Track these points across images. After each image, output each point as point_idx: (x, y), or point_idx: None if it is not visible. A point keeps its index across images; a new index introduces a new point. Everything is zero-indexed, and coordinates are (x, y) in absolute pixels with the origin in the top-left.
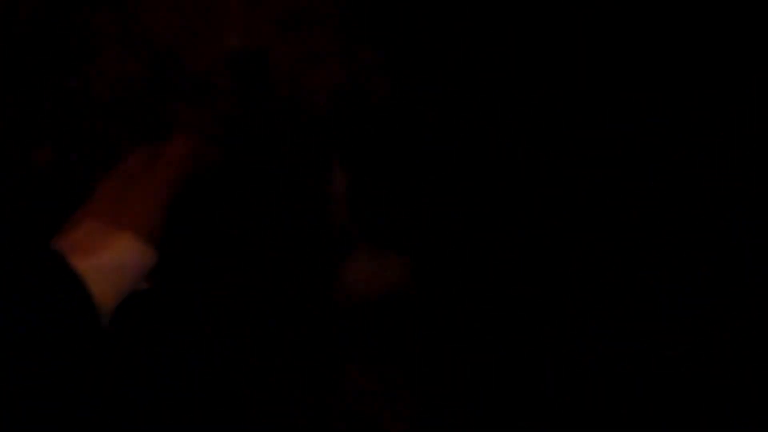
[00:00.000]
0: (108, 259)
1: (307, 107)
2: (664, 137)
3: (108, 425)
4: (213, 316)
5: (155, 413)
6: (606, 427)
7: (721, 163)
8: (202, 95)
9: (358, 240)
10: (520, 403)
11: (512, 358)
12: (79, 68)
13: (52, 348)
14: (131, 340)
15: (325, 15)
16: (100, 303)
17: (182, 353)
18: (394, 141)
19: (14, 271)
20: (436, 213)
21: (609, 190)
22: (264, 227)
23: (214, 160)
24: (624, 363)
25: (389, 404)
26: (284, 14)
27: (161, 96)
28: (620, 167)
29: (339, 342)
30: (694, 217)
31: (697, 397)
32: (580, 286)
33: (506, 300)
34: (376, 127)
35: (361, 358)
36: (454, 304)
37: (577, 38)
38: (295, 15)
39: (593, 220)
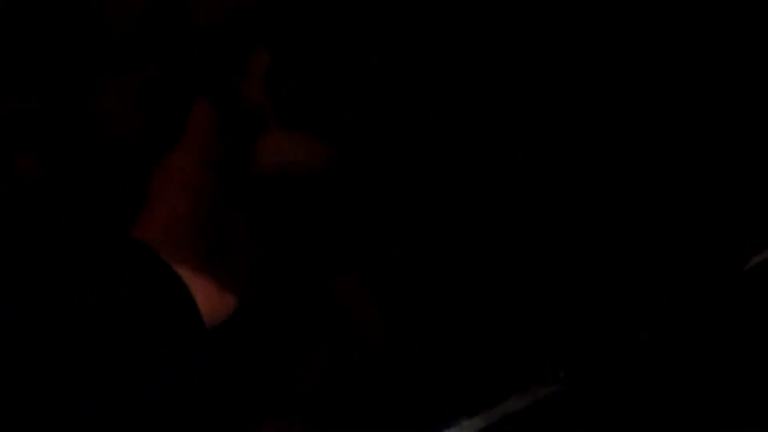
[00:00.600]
0: None
1: None
2: (664, 137)
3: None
4: None
5: None
6: (606, 427)
7: (721, 163)
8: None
9: (273, 118)
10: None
11: (512, 358)
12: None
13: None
14: None
15: None
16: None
17: None
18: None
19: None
20: (435, 213)
21: (609, 190)
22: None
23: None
24: (624, 363)
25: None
26: None
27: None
28: (620, 167)
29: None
30: (694, 217)
31: (696, 396)
32: (580, 286)
33: (506, 300)
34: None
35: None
36: (454, 304)
37: (577, 38)
38: None
39: (593, 220)
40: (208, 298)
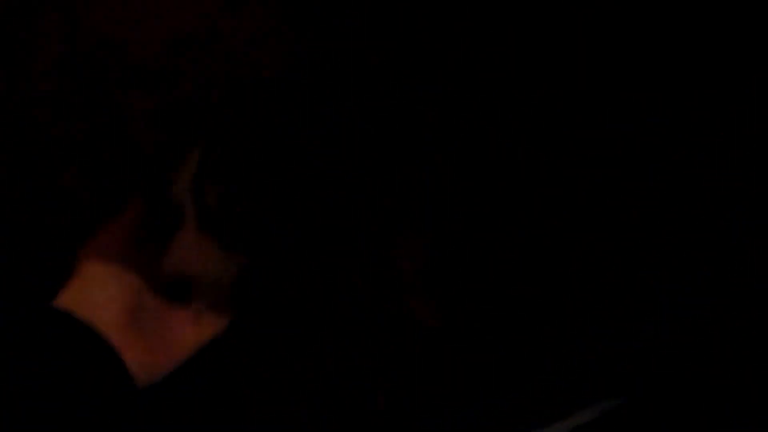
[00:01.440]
0: None
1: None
2: (664, 137)
3: None
4: None
5: None
6: (606, 427)
7: (721, 163)
8: (156, 81)
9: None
10: (520, 405)
11: (512, 358)
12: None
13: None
14: None
15: None
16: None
17: None
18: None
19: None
20: (435, 214)
21: (609, 190)
22: None
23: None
24: (624, 363)
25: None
26: None
27: (113, 87)
28: (620, 167)
29: None
30: (694, 217)
31: (696, 397)
32: (580, 286)
33: (506, 300)
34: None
35: None
36: (456, 307)
37: (577, 38)
38: None
39: (593, 220)
40: (141, 356)
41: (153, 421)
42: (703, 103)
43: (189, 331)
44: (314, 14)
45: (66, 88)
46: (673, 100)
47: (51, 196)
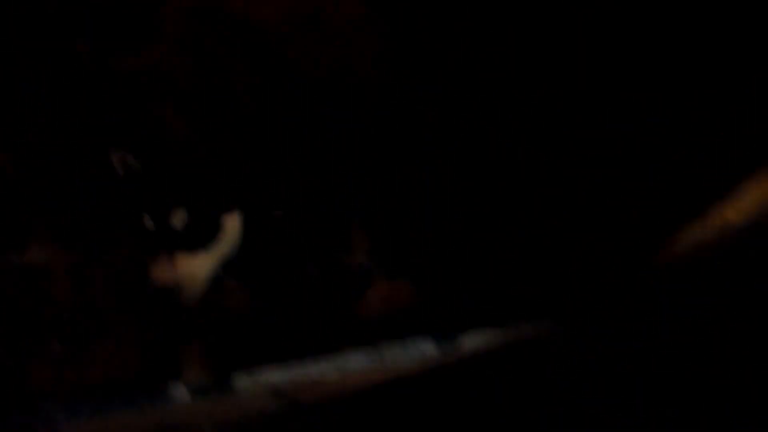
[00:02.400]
0: None
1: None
2: (664, 137)
3: None
4: None
5: None
6: (606, 428)
7: (721, 163)
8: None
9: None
10: (520, 407)
11: (512, 358)
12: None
13: None
14: None
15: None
16: None
17: None
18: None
19: None
20: (436, 215)
21: (609, 190)
22: None
23: None
24: (624, 363)
25: None
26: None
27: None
28: (620, 167)
29: None
30: (694, 216)
31: (697, 397)
32: (579, 285)
33: (506, 299)
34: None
35: None
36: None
37: (577, 38)
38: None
39: (593, 219)
40: None
41: None
42: (703, 103)
43: None
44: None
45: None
46: (673, 100)
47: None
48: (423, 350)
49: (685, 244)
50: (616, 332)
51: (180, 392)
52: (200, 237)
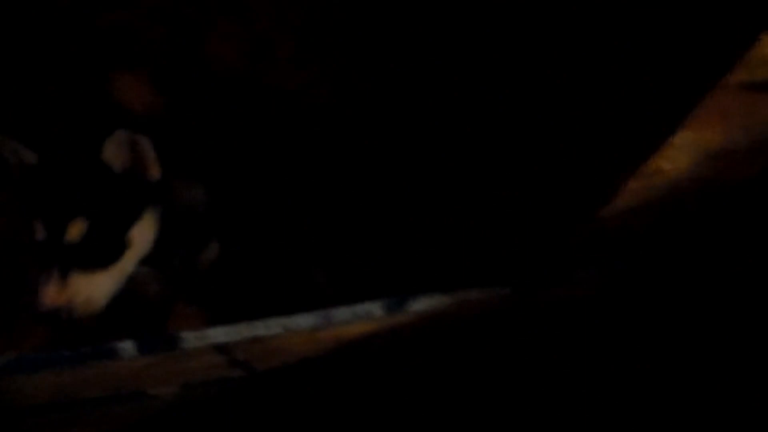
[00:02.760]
0: None
1: None
2: (593, 90)
3: None
4: None
5: None
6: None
7: (654, 112)
8: None
9: None
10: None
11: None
12: None
13: None
14: None
15: None
16: None
17: None
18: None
19: None
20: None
21: (545, 146)
22: None
23: None
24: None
25: None
26: None
27: None
28: (554, 124)
29: None
30: (694, 216)
31: (697, 397)
32: (523, 249)
33: (454, 266)
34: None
35: None
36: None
37: (577, 38)
38: None
39: (529, 178)
40: None
41: None
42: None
43: None
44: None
45: None
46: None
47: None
48: (370, 311)
49: (621, 195)
50: (560, 294)
51: (127, 347)
52: (101, 253)
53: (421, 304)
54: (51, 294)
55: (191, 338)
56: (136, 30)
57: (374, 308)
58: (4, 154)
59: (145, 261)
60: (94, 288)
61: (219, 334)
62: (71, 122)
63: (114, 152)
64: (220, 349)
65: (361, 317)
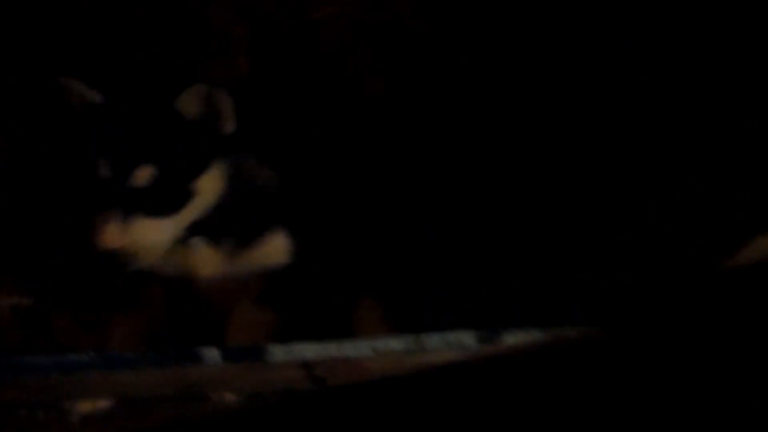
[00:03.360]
0: None
1: None
2: (664, 135)
3: None
4: None
5: None
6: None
7: (720, 163)
8: None
9: None
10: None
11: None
12: None
13: None
14: None
15: None
16: None
17: None
18: None
19: None
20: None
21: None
22: None
23: None
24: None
25: None
26: None
27: None
28: (621, 160)
29: None
30: (694, 215)
31: (697, 398)
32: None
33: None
34: None
35: None
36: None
37: (577, 38)
38: None
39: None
40: None
41: None
42: (703, 103)
43: None
44: None
45: None
46: (673, 99)
47: None
48: (462, 341)
49: (750, 252)
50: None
51: (212, 355)
52: (165, 200)
53: (514, 338)
54: (111, 234)
55: (278, 352)
56: None
57: (466, 337)
58: (70, 98)
59: (202, 229)
60: (155, 234)
61: (307, 350)
62: (147, 69)
63: (189, 102)
64: (305, 365)
65: (452, 345)
